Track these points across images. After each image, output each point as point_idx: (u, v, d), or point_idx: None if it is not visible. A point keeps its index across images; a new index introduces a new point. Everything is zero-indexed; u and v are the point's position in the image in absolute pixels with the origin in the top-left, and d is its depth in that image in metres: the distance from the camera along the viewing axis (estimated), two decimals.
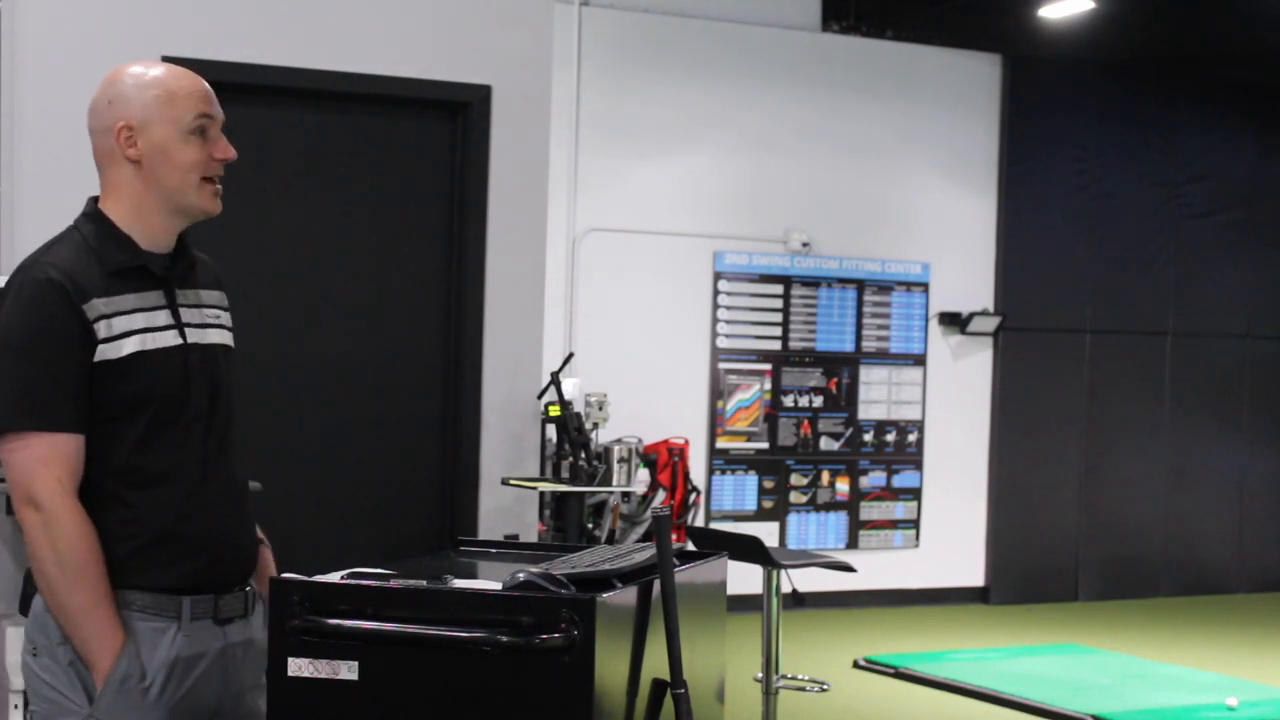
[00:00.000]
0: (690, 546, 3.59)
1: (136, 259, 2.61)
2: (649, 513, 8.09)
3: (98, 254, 2.59)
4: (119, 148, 2.62)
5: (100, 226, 2.63)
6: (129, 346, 2.56)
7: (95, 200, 2.67)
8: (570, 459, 6.79)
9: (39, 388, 2.52)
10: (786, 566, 5.16)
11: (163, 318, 2.62)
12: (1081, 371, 10.52)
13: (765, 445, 9.66)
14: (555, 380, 6.42)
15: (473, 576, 2.66)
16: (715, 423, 9.53)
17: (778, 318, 9.72)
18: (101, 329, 2.54)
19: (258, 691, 2.72)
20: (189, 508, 2.61)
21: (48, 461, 2.50)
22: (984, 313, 10.14)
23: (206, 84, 2.71)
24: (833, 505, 9.85)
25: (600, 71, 9.16)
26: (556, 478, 6.81)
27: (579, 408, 7.45)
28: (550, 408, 6.48)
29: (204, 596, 2.62)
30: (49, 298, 2.52)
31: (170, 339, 2.62)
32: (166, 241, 2.68)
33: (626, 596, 2.46)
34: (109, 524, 2.55)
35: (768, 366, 9.68)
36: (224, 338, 2.76)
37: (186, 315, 2.67)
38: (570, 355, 7.24)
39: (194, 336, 2.66)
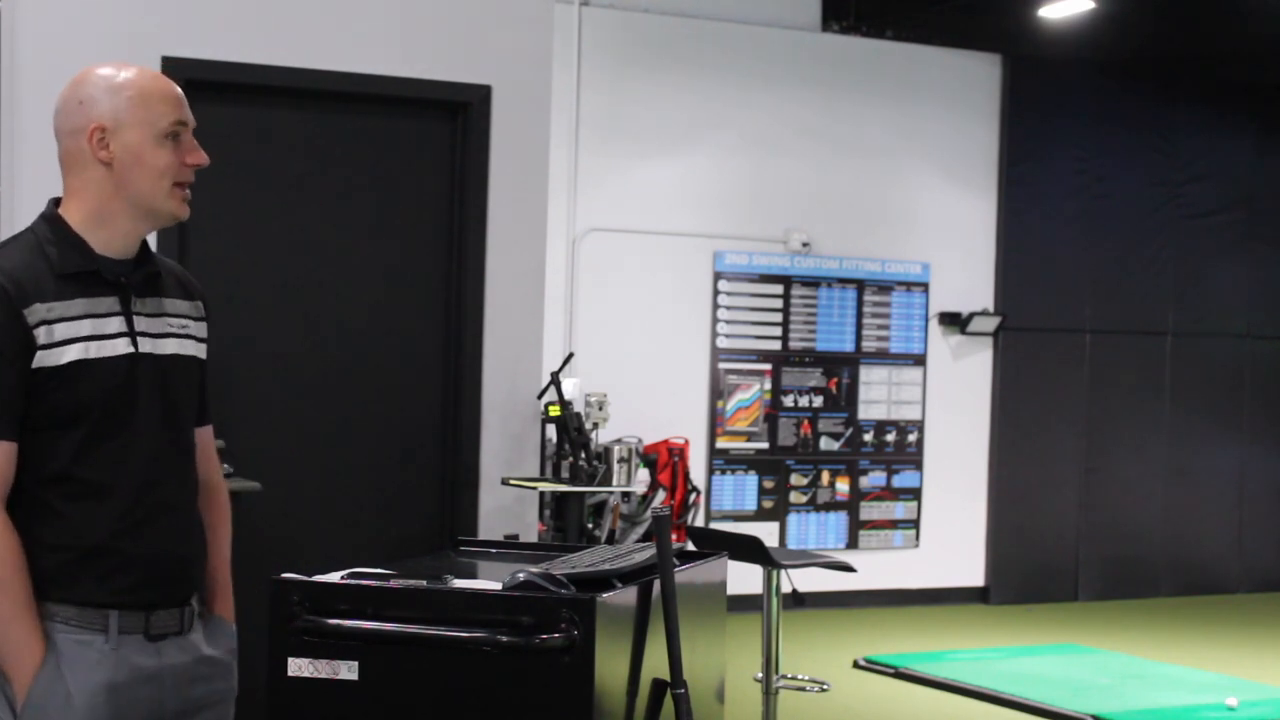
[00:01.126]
0: (690, 546, 3.59)
1: (90, 263, 2.55)
2: (649, 513, 8.09)
3: (50, 256, 2.53)
4: (90, 150, 2.55)
5: (55, 228, 2.56)
6: (70, 354, 2.49)
7: (56, 202, 2.61)
8: (570, 459, 6.79)
9: None
10: (786, 566, 5.16)
11: (114, 325, 2.55)
12: (1081, 371, 10.52)
13: (765, 445, 9.66)
14: (555, 380, 6.42)
15: (473, 576, 2.66)
16: (715, 423, 9.53)
17: (778, 318, 9.72)
18: (41, 335, 2.47)
19: (214, 713, 2.64)
20: (125, 524, 2.53)
21: None
22: (984, 313, 10.14)
23: (179, 88, 2.65)
24: (833, 505, 9.85)
25: (600, 71, 9.16)
26: (556, 478, 6.81)
27: (579, 408, 7.45)
28: (550, 408, 6.48)
29: (134, 612, 2.54)
30: None
31: (119, 347, 2.54)
32: (127, 247, 2.61)
33: (626, 596, 2.46)
34: (38, 534, 2.49)
35: (768, 366, 9.68)
36: (188, 348, 2.67)
37: (141, 324, 2.59)
38: (570, 355, 7.24)
39: (147, 346, 2.58)
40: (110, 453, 2.53)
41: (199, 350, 2.71)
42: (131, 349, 2.56)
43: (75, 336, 2.50)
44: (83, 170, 2.58)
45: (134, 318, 2.58)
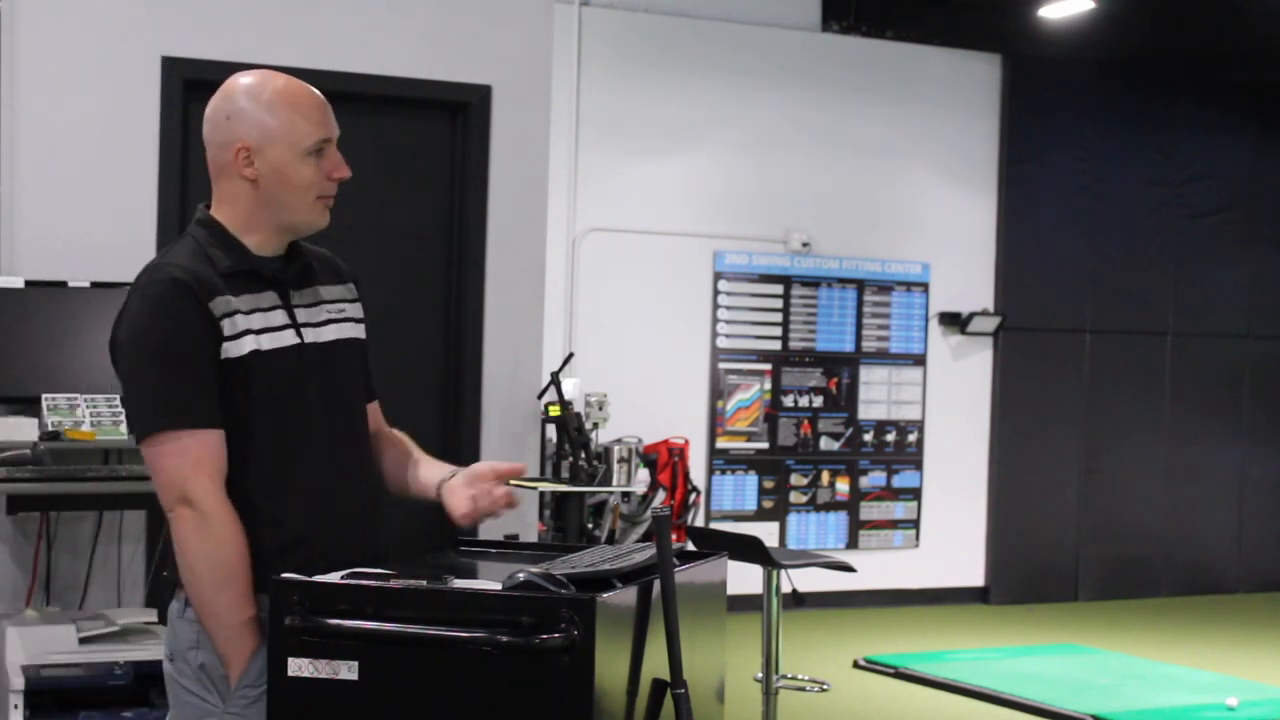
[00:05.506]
0: (690, 546, 3.59)
1: (248, 262, 2.61)
2: (649, 513, 8.09)
3: (213, 257, 2.59)
4: (235, 166, 2.60)
5: (213, 232, 2.62)
6: (248, 345, 2.55)
7: (207, 206, 2.67)
8: (570, 459, 6.80)
9: (180, 386, 2.50)
10: (786, 566, 5.16)
11: (279, 318, 2.61)
12: (1081, 371, 10.52)
13: (765, 445, 9.66)
14: (555, 380, 6.43)
15: (473, 576, 2.66)
16: (715, 423, 9.53)
17: (778, 318, 9.71)
18: (226, 326, 2.54)
19: None
20: (316, 512, 2.60)
21: (200, 461, 2.49)
22: (984, 313, 10.14)
23: (324, 100, 2.70)
24: (833, 505, 9.85)
25: (600, 71, 9.16)
26: (556, 478, 6.81)
27: (579, 408, 7.46)
28: (550, 408, 6.48)
29: None
30: (176, 296, 2.52)
31: (287, 339, 2.61)
32: (277, 248, 2.67)
33: (626, 596, 2.46)
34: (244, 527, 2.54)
35: (768, 366, 9.68)
36: (348, 331, 2.74)
37: (302, 315, 2.65)
38: (570, 355, 7.25)
39: (310, 336, 2.65)
40: (291, 444, 2.59)
41: (358, 331, 2.78)
42: (298, 339, 2.62)
43: (250, 329, 2.57)
44: (230, 181, 2.63)
45: (295, 310, 2.64)
